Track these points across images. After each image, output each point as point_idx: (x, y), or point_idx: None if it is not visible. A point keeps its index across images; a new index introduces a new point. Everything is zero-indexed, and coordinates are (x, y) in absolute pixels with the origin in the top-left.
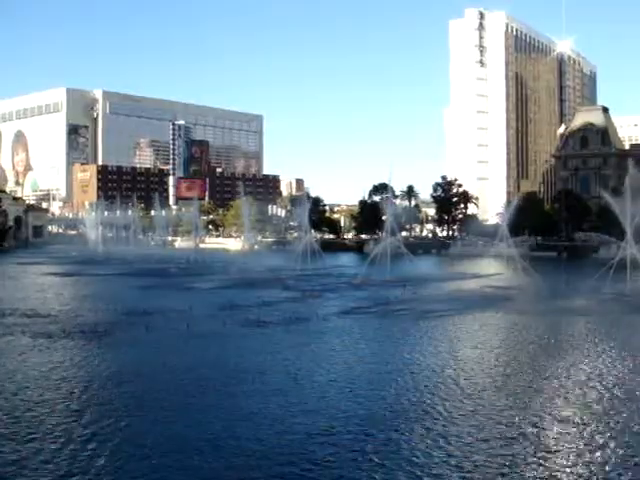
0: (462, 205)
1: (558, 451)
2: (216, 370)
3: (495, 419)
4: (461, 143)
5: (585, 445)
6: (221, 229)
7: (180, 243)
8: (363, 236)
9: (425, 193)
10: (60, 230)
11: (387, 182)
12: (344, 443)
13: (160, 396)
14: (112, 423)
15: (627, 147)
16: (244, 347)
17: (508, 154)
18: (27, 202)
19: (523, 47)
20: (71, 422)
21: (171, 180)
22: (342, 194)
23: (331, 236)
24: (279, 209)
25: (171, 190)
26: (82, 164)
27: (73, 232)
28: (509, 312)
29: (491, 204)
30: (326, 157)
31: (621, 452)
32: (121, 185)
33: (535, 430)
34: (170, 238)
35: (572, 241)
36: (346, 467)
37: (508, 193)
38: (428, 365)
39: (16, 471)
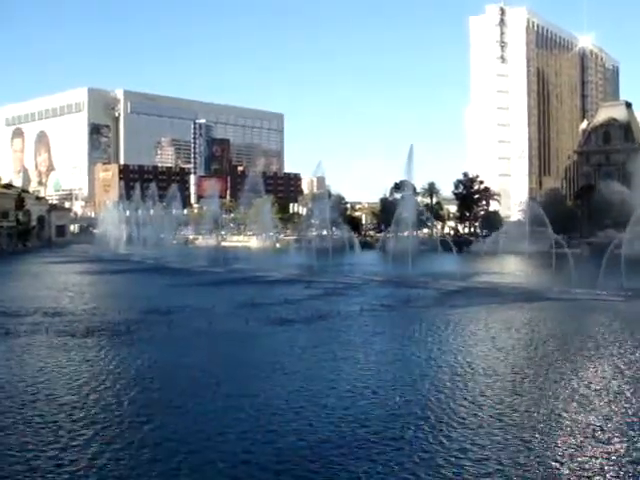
0: (484, 202)
1: None
2: (237, 369)
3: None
4: (482, 140)
5: None
6: (242, 227)
7: (202, 241)
8: (380, 234)
9: (447, 190)
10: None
11: (406, 177)
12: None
13: (174, 396)
14: (131, 423)
15: None
16: (267, 345)
17: (530, 150)
18: (50, 202)
19: (544, 43)
20: (79, 421)
21: (192, 179)
22: (363, 192)
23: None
24: (300, 207)
25: (192, 189)
26: (104, 163)
27: (96, 231)
28: (526, 309)
29: (513, 201)
30: (347, 155)
31: None
32: (143, 184)
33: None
34: (192, 236)
35: (594, 237)
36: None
37: (530, 189)
38: (454, 365)
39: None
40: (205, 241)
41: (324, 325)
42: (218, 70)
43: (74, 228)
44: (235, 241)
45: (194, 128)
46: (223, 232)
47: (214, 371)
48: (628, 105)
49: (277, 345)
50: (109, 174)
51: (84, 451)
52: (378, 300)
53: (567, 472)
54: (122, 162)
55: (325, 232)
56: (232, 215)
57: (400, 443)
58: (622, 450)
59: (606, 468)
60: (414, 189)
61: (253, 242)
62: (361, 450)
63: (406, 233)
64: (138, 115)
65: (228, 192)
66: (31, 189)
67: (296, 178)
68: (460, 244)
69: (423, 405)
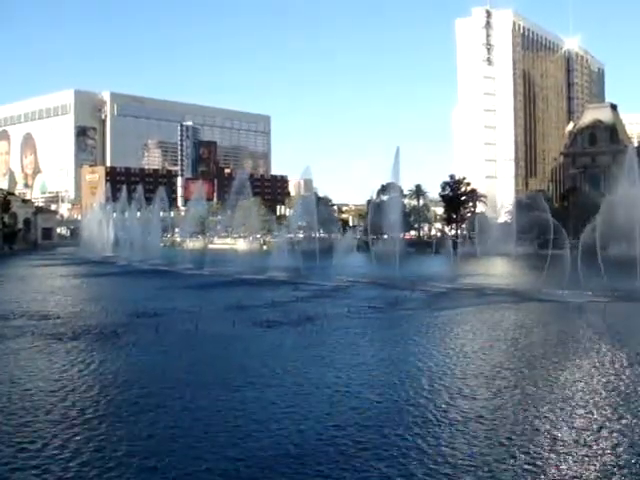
0: (471, 204)
1: None
2: (222, 373)
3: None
4: (469, 142)
5: None
6: (229, 229)
7: (189, 244)
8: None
9: (434, 192)
10: (69, 232)
11: (392, 179)
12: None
13: (159, 400)
14: (109, 428)
15: (636, 144)
16: (252, 349)
17: (516, 152)
18: (36, 204)
19: (530, 45)
20: (62, 425)
21: (179, 181)
22: (350, 194)
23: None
24: (287, 209)
25: (179, 191)
26: (90, 166)
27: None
28: (513, 310)
29: (500, 202)
30: (334, 157)
31: None
32: (129, 186)
33: None
34: (179, 239)
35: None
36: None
37: (517, 191)
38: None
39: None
40: (192, 243)
41: (311, 327)
42: (205, 72)
43: (65, 231)
44: (222, 243)
45: (181, 130)
46: (210, 234)
47: (199, 375)
48: (613, 107)
49: (263, 348)
50: (96, 176)
51: (60, 454)
52: (365, 302)
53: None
54: (109, 164)
55: (313, 234)
56: (219, 217)
57: (378, 449)
58: (604, 453)
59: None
60: (401, 191)
61: (240, 244)
62: (342, 456)
63: (385, 236)
64: (125, 117)
65: (215, 194)
66: (17, 191)
67: (283, 180)
68: (447, 246)
69: (406, 410)
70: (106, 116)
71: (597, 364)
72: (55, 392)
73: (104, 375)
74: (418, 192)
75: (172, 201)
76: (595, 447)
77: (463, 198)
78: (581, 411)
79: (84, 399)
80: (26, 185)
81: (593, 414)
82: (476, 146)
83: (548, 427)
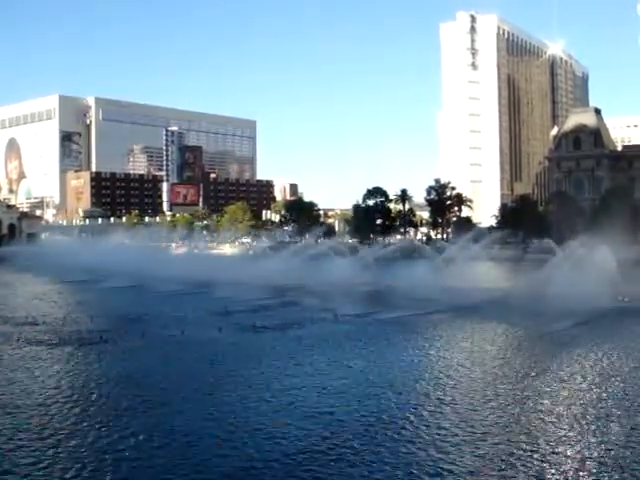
0: (456, 208)
1: None
2: (200, 382)
3: None
4: (454, 146)
5: None
6: (215, 234)
7: (175, 249)
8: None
9: (419, 196)
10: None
11: (379, 185)
12: None
13: (132, 412)
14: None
15: (620, 148)
16: (239, 354)
17: (501, 156)
18: (21, 210)
19: (515, 50)
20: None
21: (165, 186)
22: (336, 198)
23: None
24: (273, 214)
25: (165, 196)
26: (75, 171)
27: (67, 239)
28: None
29: (485, 207)
30: (320, 162)
31: None
32: (115, 192)
33: None
34: (164, 244)
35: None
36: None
37: (502, 195)
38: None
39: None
40: (178, 249)
41: (296, 333)
42: (190, 77)
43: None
44: (208, 249)
45: (166, 135)
46: (196, 239)
47: (179, 383)
48: (597, 111)
49: (245, 354)
50: (81, 182)
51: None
52: (350, 308)
53: None
54: (94, 169)
55: (298, 238)
56: (205, 222)
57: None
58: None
59: None
60: (387, 196)
61: (226, 249)
62: (306, 470)
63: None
64: (110, 122)
65: (201, 199)
66: (2, 197)
67: (268, 185)
68: (432, 250)
69: (380, 421)
70: (91, 121)
71: None
72: (37, 397)
73: (87, 381)
74: (404, 197)
75: (157, 206)
76: None
77: (449, 202)
78: None
79: (63, 404)
80: (11, 190)
81: None
82: (461, 150)
83: None
